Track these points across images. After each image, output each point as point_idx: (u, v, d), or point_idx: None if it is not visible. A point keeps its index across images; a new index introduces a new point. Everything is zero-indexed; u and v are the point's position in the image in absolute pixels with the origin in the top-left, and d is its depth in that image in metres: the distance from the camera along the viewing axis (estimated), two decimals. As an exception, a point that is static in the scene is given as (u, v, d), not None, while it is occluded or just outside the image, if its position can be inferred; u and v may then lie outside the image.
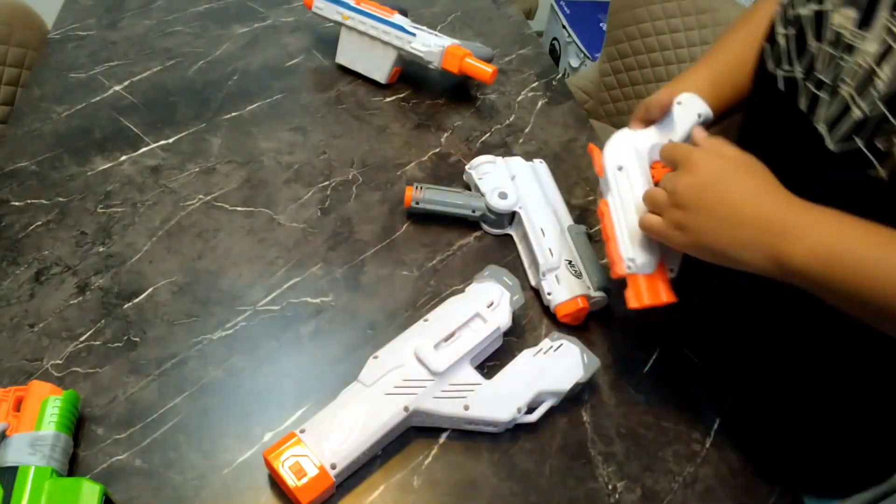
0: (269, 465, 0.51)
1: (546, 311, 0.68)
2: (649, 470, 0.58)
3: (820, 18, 0.49)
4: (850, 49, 0.46)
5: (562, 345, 0.61)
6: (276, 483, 0.53)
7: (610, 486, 0.56)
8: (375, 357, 0.58)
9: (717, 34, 1.19)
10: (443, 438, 0.58)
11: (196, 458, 0.54)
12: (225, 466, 0.54)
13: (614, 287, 0.65)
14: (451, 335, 0.59)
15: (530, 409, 0.58)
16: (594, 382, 0.63)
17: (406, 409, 0.54)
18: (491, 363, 0.62)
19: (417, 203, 0.73)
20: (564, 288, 0.66)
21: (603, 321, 0.68)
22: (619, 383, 0.63)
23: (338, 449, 0.52)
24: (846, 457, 0.60)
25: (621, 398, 0.62)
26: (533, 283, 0.71)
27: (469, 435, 0.58)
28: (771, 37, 0.56)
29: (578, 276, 0.67)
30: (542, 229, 0.70)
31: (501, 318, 0.61)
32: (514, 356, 0.60)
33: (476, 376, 0.58)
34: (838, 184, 0.48)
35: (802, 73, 0.51)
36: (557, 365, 0.59)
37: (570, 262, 0.68)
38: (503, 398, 0.57)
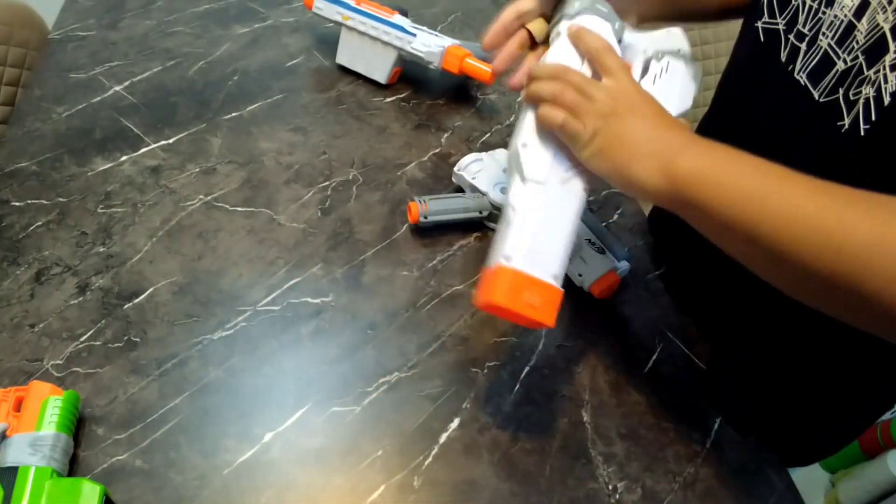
0: (494, 307, 0.48)
1: (574, 290, 0.69)
2: (650, 470, 0.58)
3: None
4: (829, 2, 0.49)
5: (669, 63, 0.56)
6: (276, 482, 0.53)
7: (610, 487, 0.56)
8: (524, 145, 0.51)
9: (717, 34, 1.19)
10: (443, 438, 0.58)
11: (196, 458, 0.55)
12: (225, 466, 0.54)
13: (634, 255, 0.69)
14: None
15: None
16: (595, 383, 0.63)
17: (584, 189, 0.51)
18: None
19: (426, 217, 0.72)
20: (593, 266, 0.67)
21: (603, 321, 0.68)
22: (619, 383, 0.63)
23: (552, 259, 0.49)
24: (824, 418, 0.63)
25: (621, 398, 0.62)
26: None
27: (469, 435, 0.58)
28: None
29: (601, 251, 0.68)
30: None
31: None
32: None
33: None
34: (817, 137, 0.50)
35: (785, 26, 0.53)
36: (673, 86, 0.55)
37: (589, 241, 0.69)
38: None
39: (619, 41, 0.54)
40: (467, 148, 0.86)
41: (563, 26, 0.53)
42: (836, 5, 0.48)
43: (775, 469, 0.60)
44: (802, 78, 0.51)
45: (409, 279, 0.70)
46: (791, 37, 0.53)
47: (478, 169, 0.76)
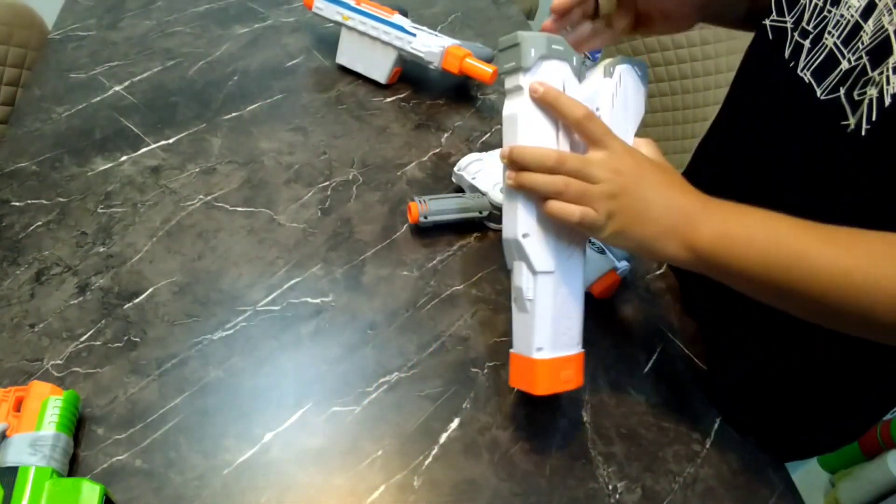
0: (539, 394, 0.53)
1: None
2: (649, 470, 0.58)
3: None
4: (835, 1, 0.49)
5: (620, 74, 0.55)
6: (276, 482, 0.53)
7: (610, 487, 0.56)
8: (526, 236, 0.51)
9: (717, 34, 1.19)
10: (443, 438, 0.58)
11: (196, 458, 0.55)
12: (225, 466, 0.54)
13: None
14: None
15: None
16: (595, 383, 0.63)
17: (584, 250, 0.55)
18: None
19: (426, 217, 0.72)
20: (593, 266, 0.67)
21: (603, 321, 0.68)
22: (619, 383, 0.63)
23: (574, 332, 0.54)
24: (824, 418, 0.63)
25: (621, 398, 0.62)
26: None
27: (469, 435, 0.58)
28: None
29: (601, 252, 0.68)
30: None
31: (580, 95, 0.53)
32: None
33: None
34: (818, 135, 0.50)
35: (792, 24, 0.53)
36: (628, 95, 0.55)
37: (589, 241, 0.69)
38: None
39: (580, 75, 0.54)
40: (467, 148, 0.86)
41: (524, 81, 0.51)
42: (842, 5, 0.49)
43: (775, 469, 0.60)
44: (806, 75, 0.51)
45: (409, 279, 0.70)
46: (796, 34, 0.53)
47: (478, 169, 0.76)
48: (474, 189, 0.75)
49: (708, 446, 0.60)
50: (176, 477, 0.53)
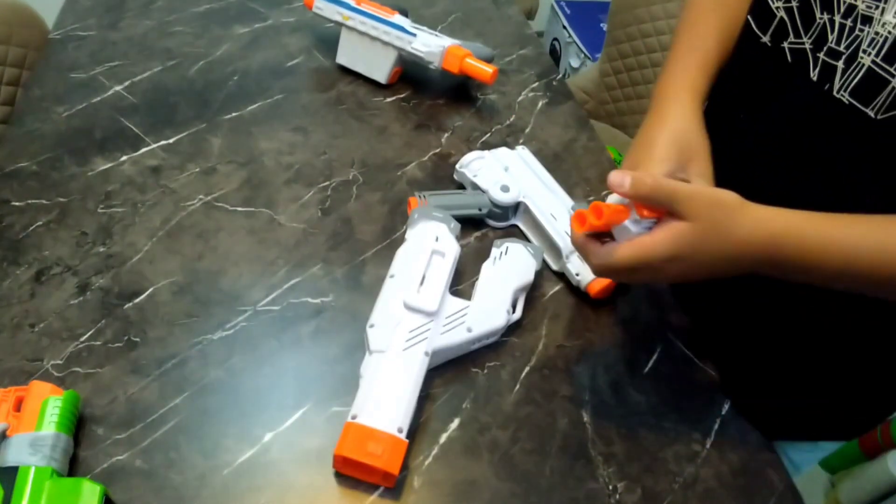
0: (343, 462, 0.53)
1: (574, 291, 0.70)
2: (650, 470, 0.58)
3: None
4: (866, 20, 0.48)
5: (508, 248, 0.68)
6: (276, 482, 0.53)
7: (610, 487, 0.56)
8: (371, 326, 0.60)
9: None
10: (443, 438, 0.58)
11: (196, 458, 0.55)
12: (225, 466, 0.54)
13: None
14: (423, 278, 0.62)
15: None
16: (595, 383, 0.63)
17: (426, 353, 0.58)
18: (454, 288, 0.67)
19: None
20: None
21: (603, 321, 0.68)
22: (619, 384, 0.63)
23: (395, 414, 0.54)
24: (825, 404, 0.63)
25: (621, 398, 0.62)
26: (555, 267, 0.72)
27: (469, 435, 0.58)
28: (755, 10, 0.58)
29: None
30: (551, 214, 0.72)
31: (453, 247, 0.66)
32: (474, 277, 0.68)
33: (461, 301, 0.63)
34: (876, 155, 0.50)
35: (812, 45, 0.53)
36: (514, 264, 0.67)
37: None
38: (491, 309, 0.63)
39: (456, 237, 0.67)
40: (467, 148, 0.86)
41: (408, 234, 0.68)
42: (875, 22, 0.47)
43: (775, 469, 0.60)
44: (845, 97, 0.50)
45: (409, 279, 0.70)
46: (821, 55, 0.52)
47: (480, 167, 0.76)
48: (475, 187, 0.75)
49: (708, 446, 0.60)
50: (176, 477, 0.53)
